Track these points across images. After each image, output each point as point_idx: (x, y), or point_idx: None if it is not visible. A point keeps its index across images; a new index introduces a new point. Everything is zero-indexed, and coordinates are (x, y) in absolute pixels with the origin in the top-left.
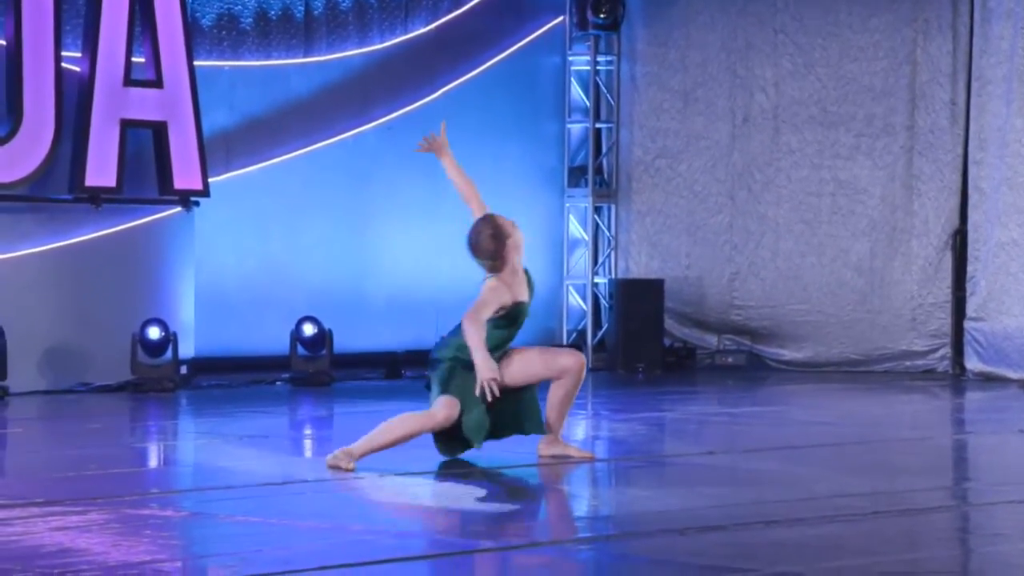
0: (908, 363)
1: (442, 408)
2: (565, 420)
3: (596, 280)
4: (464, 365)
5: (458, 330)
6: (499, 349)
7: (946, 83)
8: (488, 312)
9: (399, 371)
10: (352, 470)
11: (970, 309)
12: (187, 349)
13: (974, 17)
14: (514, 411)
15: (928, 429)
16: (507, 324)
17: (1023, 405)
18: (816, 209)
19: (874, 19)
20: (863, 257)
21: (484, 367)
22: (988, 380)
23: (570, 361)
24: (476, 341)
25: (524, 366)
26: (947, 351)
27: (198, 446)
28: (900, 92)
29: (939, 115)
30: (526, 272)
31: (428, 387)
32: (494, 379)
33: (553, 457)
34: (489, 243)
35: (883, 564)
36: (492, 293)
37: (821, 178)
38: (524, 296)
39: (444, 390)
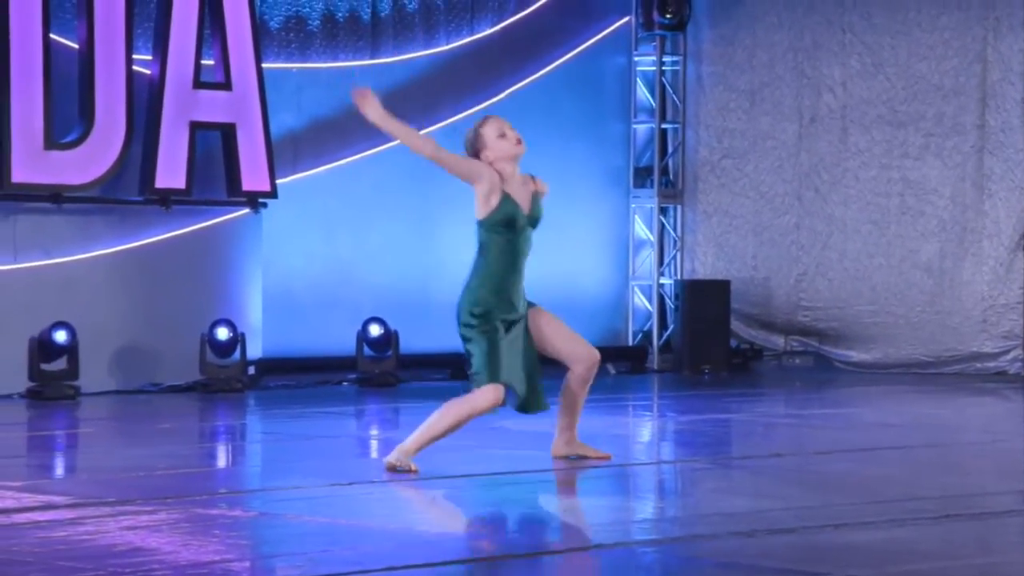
0: (979, 365)
1: (489, 396)
2: (578, 419)
3: (662, 281)
4: (494, 328)
5: (468, 283)
6: (501, 255)
7: (1017, 82)
8: (452, 156)
9: (464, 372)
10: (416, 471)
11: None
12: (255, 350)
13: None
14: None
15: (999, 432)
16: (503, 228)
17: None
18: (884, 209)
19: (944, 17)
20: (932, 258)
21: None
22: None
23: (587, 351)
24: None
25: (552, 332)
26: (1019, 353)
27: (266, 446)
28: (970, 91)
29: (1010, 114)
30: (535, 197)
31: (467, 355)
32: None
33: (569, 458)
34: (468, 133)
35: (954, 569)
36: (469, 162)
37: (890, 178)
38: (521, 201)
39: (491, 374)
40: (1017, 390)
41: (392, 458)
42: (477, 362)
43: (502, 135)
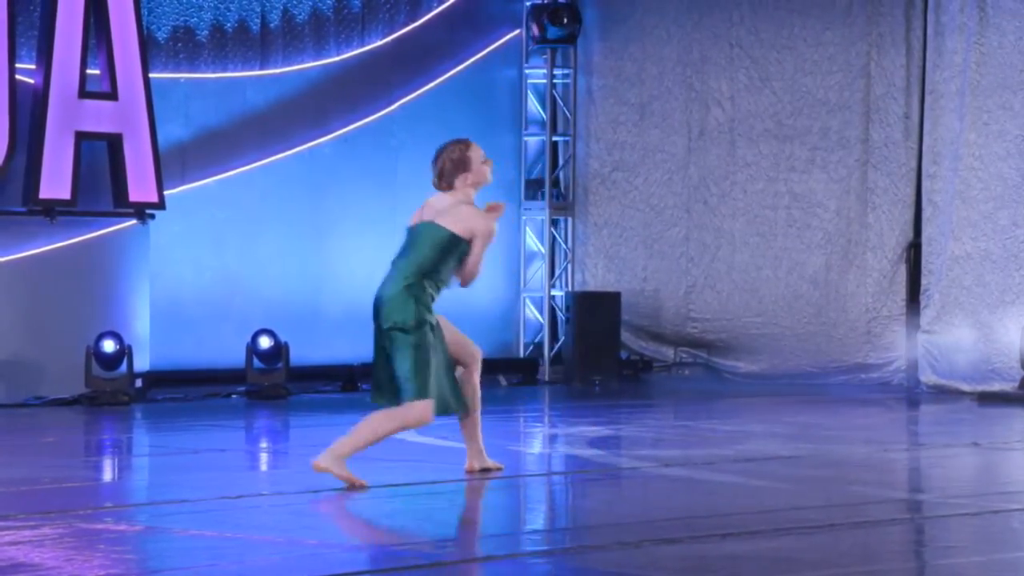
0: (863, 375)
1: (422, 413)
2: None
3: (553, 293)
4: (424, 333)
5: (400, 275)
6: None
7: (900, 97)
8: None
9: (356, 384)
10: (366, 486)
11: (924, 322)
12: (142, 362)
13: (927, 31)
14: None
15: (882, 442)
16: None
17: (976, 418)
18: (771, 222)
19: (828, 33)
20: (818, 270)
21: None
22: (941, 392)
23: (477, 350)
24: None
25: (455, 339)
26: (901, 364)
27: (153, 460)
28: (854, 105)
29: (893, 128)
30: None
31: (387, 356)
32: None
33: (484, 471)
34: (453, 151)
35: None
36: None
37: (776, 191)
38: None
39: (420, 388)
40: (900, 400)
41: (324, 462)
42: (410, 372)
43: (485, 162)
